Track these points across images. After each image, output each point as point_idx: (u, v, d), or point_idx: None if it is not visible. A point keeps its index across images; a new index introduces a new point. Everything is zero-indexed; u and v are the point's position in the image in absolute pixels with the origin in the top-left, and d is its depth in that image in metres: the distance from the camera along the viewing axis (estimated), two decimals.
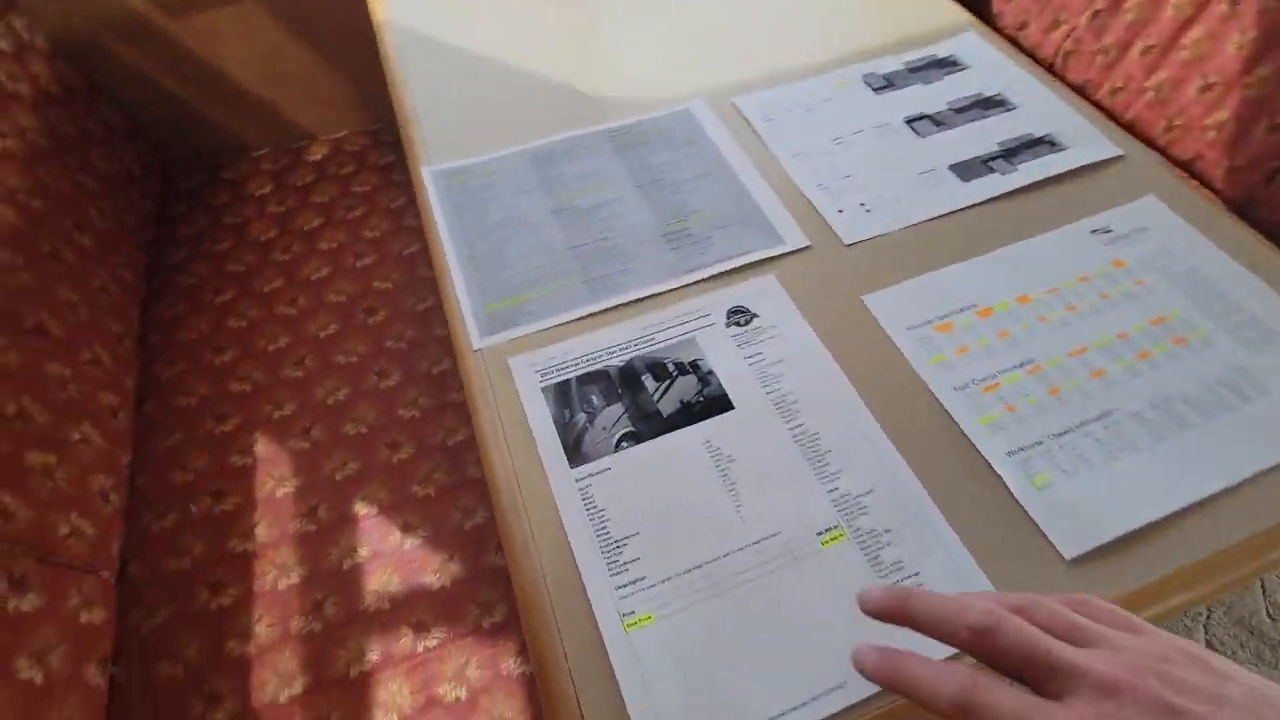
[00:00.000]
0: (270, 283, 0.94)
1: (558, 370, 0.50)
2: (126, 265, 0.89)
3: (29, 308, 0.70)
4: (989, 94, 0.69)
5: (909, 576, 0.42)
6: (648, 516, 0.44)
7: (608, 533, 0.43)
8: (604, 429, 0.47)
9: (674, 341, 0.52)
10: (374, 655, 0.65)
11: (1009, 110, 0.68)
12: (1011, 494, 0.44)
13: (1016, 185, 0.61)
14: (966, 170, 0.63)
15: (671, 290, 0.55)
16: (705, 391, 0.49)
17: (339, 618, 0.67)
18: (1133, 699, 0.25)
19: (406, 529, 0.73)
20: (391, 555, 0.71)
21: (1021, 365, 0.50)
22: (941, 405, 0.48)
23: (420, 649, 0.65)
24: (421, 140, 0.68)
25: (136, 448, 0.79)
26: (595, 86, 0.73)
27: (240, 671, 0.65)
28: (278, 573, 0.70)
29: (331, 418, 0.81)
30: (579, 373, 0.50)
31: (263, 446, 0.79)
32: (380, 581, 0.69)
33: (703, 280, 0.56)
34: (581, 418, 0.48)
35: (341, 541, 0.72)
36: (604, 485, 0.45)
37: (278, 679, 0.64)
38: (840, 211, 0.60)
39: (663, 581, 0.41)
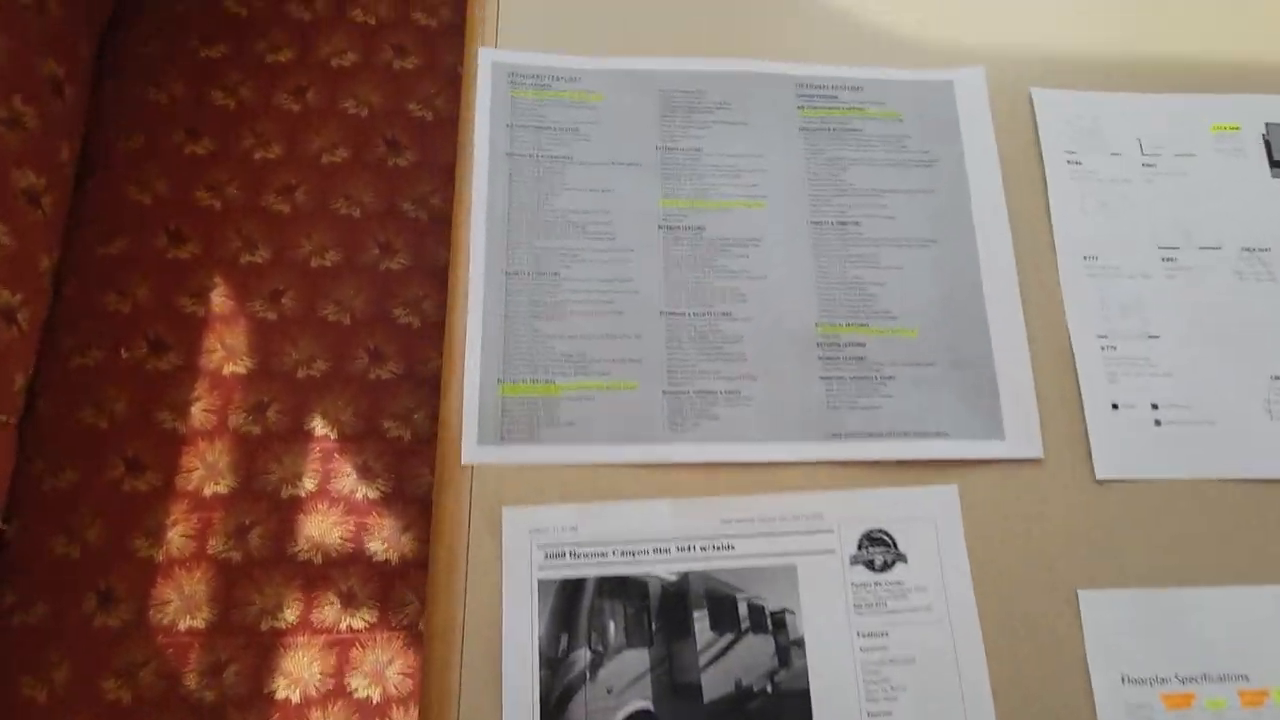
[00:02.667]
0: (277, 51, 0.68)
1: (573, 555, 0.32)
2: None
3: None
4: None
5: None
6: None
7: None
8: (608, 691, 0.30)
9: (761, 562, 0.32)
10: (291, 615, 0.56)
11: None
12: None
13: None
14: None
15: (793, 464, 0.34)
16: (779, 677, 0.31)
17: (263, 554, 0.57)
18: None
19: (364, 473, 0.59)
20: (339, 501, 0.59)
21: None
22: None
23: (344, 626, 0.56)
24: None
25: (65, 246, 0.61)
26: None
27: (144, 576, 0.56)
28: (205, 474, 0.58)
29: (311, 288, 0.63)
30: (604, 571, 0.32)
31: (219, 298, 0.62)
32: (319, 529, 0.58)
33: (845, 464, 0.34)
34: (583, 657, 0.31)
35: (286, 461, 0.59)
36: None
37: (181, 601, 0.56)
38: (1115, 408, 0.35)
39: None
